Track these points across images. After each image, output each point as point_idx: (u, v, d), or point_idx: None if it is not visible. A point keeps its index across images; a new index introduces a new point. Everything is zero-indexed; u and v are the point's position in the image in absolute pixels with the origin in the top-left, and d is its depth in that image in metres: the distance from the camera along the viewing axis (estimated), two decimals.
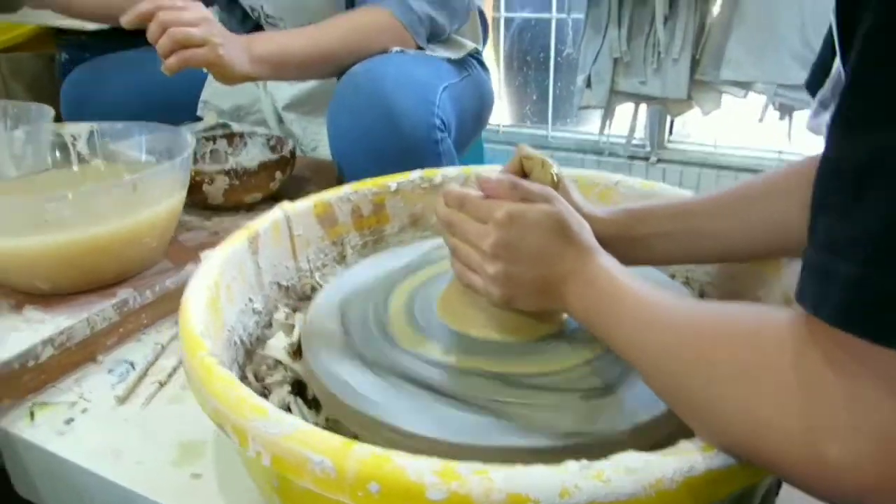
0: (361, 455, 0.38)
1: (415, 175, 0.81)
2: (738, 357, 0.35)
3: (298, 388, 0.61)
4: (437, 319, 0.60)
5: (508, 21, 2.27)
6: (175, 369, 0.71)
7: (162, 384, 0.69)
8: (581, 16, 1.68)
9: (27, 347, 0.67)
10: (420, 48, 1.09)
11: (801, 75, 1.45)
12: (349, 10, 1.07)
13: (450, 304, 0.60)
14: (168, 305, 0.81)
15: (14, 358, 0.65)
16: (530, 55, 2.24)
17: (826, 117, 0.35)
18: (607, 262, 0.49)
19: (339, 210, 0.76)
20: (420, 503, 0.37)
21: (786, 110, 1.54)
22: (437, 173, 0.81)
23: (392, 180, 0.79)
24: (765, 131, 1.65)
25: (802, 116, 1.57)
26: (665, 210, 0.60)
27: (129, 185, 0.72)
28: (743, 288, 0.65)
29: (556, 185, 0.59)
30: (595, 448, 0.42)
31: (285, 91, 1.24)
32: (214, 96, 1.29)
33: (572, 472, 0.36)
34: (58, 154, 0.92)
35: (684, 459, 0.37)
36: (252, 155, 1.08)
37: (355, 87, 0.97)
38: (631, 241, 0.59)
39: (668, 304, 0.42)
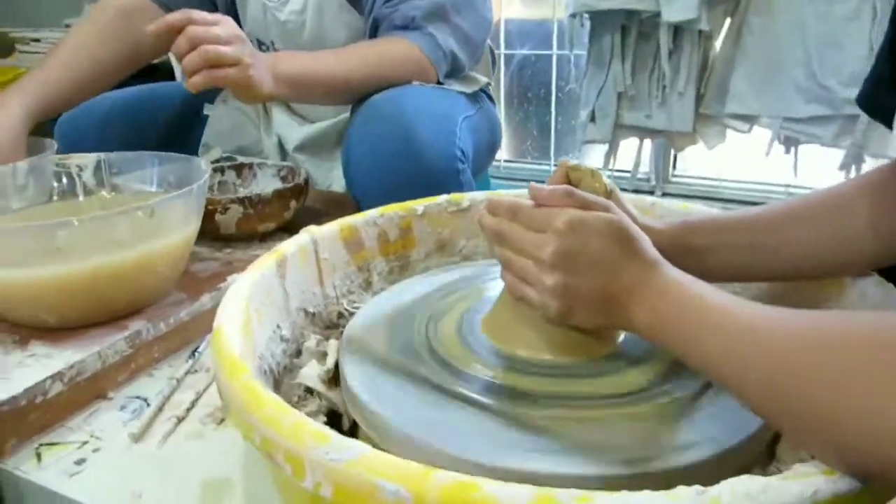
0: (444, 482, 0.34)
1: (442, 199, 0.78)
2: (879, 365, 0.31)
3: (332, 418, 0.57)
4: (485, 339, 0.56)
5: (508, 58, 2.28)
6: (193, 403, 0.66)
7: (180, 419, 0.64)
8: (583, 52, 1.69)
9: (34, 383, 0.62)
10: (439, 83, 1.09)
11: (806, 108, 1.46)
12: (375, 38, 1.06)
13: (497, 323, 0.57)
14: (181, 338, 0.77)
15: (20, 395, 0.60)
16: (531, 91, 2.26)
17: None
18: (676, 272, 0.46)
19: (365, 234, 0.73)
20: None
21: (791, 143, 1.54)
22: (464, 197, 0.78)
23: (419, 204, 0.76)
24: (769, 165, 1.65)
25: (807, 150, 1.58)
26: (724, 221, 0.57)
27: (146, 210, 0.68)
28: (799, 307, 0.62)
29: (609, 195, 0.56)
30: (671, 478, 0.38)
31: (296, 131, 1.21)
32: (216, 139, 1.26)
33: (686, 498, 0.32)
34: (63, 185, 0.88)
35: (807, 483, 0.33)
36: (263, 186, 1.05)
37: (376, 114, 0.95)
38: (686, 253, 0.56)
39: (769, 314, 0.38)
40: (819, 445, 0.35)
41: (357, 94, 1.02)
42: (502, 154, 2.37)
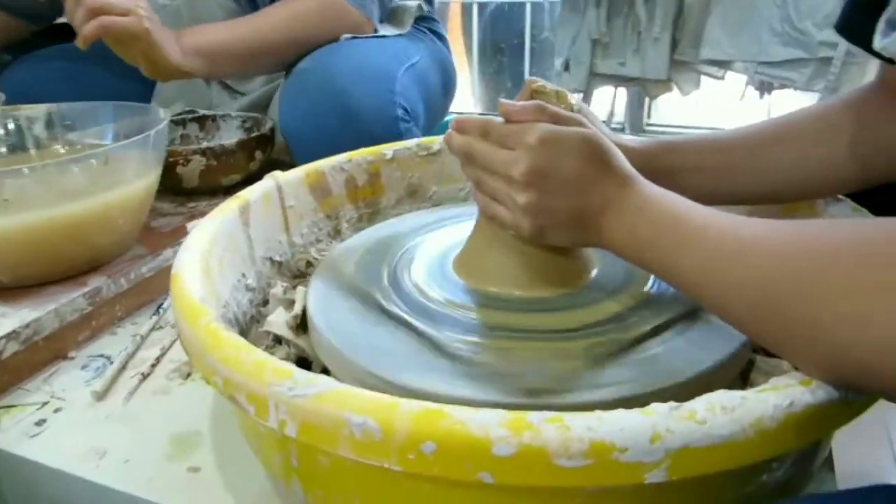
0: (412, 411, 0.32)
1: (412, 143, 0.75)
2: (856, 270, 0.30)
3: (302, 366, 0.55)
4: (454, 277, 0.55)
5: (482, 7, 2.21)
6: (158, 359, 0.64)
7: (145, 376, 0.62)
8: None
9: None
10: (375, 30, 1.02)
11: (781, 51, 1.45)
12: None
13: (467, 261, 0.55)
14: (144, 295, 0.74)
15: None
16: (504, 42, 2.20)
17: None
18: (651, 188, 0.44)
19: (332, 180, 0.71)
20: (484, 462, 0.31)
21: (765, 88, 1.53)
22: (436, 141, 0.76)
23: (388, 148, 0.74)
24: (743, 112, 1.64)
25: (782, 95, 1.57)
26: (700, 143, 0.55)
27: (100, 157, 0.65)
28: None
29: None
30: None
31: (228, 106, 1.14)
32: (164, 102, 1.17)
33: (662, 414, 0.31)
34: (12, 137, 0.84)
35: (783, 395, 0.32)
36: (227, 138, 1.01)
37: (307, 84, 0.90)
38: (662, 173, 0.53)
39: (749, 227, 0.37)
40: (804, 357, 0.33)
41: (282, 61, 0.96)
42: (476, 106, 2.32)
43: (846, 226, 0.34)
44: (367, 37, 1.00)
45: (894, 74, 0.52)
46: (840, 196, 0.57)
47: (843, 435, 0.43)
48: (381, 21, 1.06)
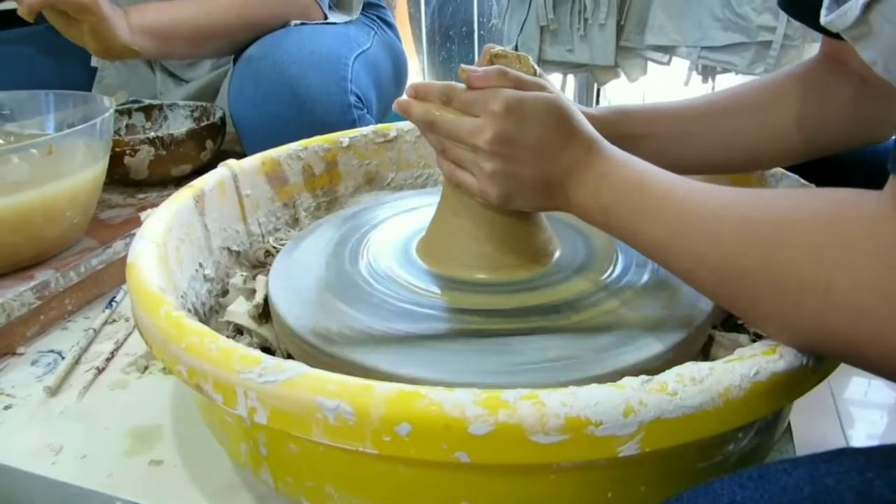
0: (386, 393, 0.32)
1: (368, 129, 0.75)
2: (817, 237, 0.31)
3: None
4: (418, 261, 0.55)
5: None
6: (113, 353, 0.62)
7: (100, 370, 0.60)
8: None
9: None
10: (325, 17, 1.01)
11: (723, 36, 1.48)
12: None
13: (431, 247, 0.55)
14: (95, 288, 0.72)
15: None
16: (453, 29, 2.20)
17: (846, 7, 0.33)
18: (615, 151, 0.45)
19: (288, 168, 0.69)
20: (460, 442, 0.31)
21: (708, 72, 1.56)
22: (392, 127, 0.75)
23: (344, 135, 0.73)
24: (688, 97, 1.67)
25: (724, 80, 1.61)
26: (654, 111, 0.56)
27: (42, 146, 0.63)
28: None
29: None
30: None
31: (173, 94, 1.11)
32: (109, 89, 1.13)
33: (634, 387, 0.32)
34: None
35: (749, 364, 0.33)
36: (175, 128, 0.98)
37: (256, 73, 0.88)
38: (617, 140, 0.53)
39: (713, 194, 0.37)
40: (770, 323, 0.35)
41: (232, 44, 0.94)
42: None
43: (807, 195, 0.35)
44: (316, 23, 0.99)
45: (835, 47, 0.54)
46: (786, 171, 0.59)
47: (797, 406, 0.45)
48: (330, 8, 1.04)
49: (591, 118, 0.53)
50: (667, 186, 0.40)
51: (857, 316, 0.29)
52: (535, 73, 0.51)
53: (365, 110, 0.94)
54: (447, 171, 0.51)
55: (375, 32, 1.09)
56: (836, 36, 0.50)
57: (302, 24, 0.96)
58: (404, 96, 0.51)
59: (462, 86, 0.48)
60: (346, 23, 1.04)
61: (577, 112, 0.46)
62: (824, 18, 0.43)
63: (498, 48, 0.51)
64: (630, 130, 0.56)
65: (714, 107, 0.56)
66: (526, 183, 0.46)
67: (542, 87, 0.47)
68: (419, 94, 0.49)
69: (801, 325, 0.33)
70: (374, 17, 1.13)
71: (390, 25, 1.17)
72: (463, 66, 0.48)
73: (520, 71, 0.49)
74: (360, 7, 1.08)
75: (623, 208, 0.42)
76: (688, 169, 0.58)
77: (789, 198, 0.35)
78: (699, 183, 0.40)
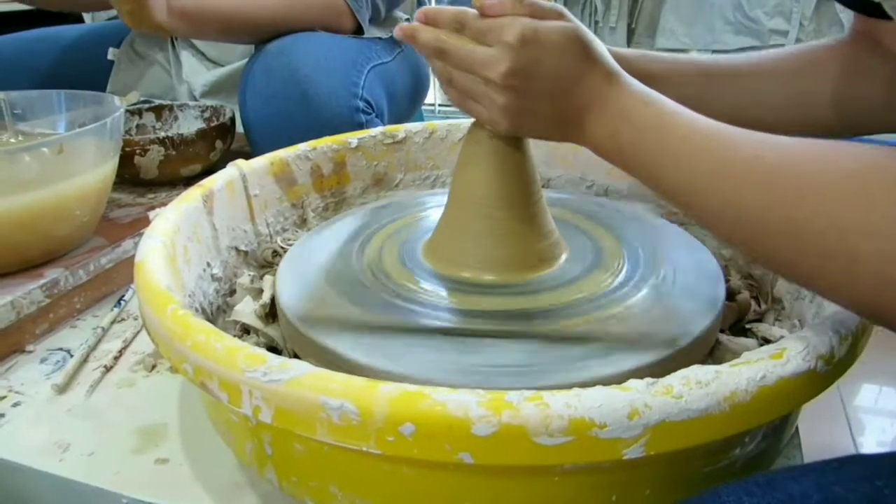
0: (390, 393, 0.32)
1: (376, 131, 0.75)
2: (841, 208, 0.30)
3: None
4: (424, 262, 0.55)
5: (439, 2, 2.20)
6: (121, 352, 0.63)
7: (108, 368, 0.60)
8: None
9: None
10: (358, 31, 1.02)
11: (735, 40, 1.48)
12: None
13: (438, 245, 0.55)
14: (104, 287, 0.72)
15: None
16: None
17: None
18: (635, 85, 0.43)
19: (297, 169, 0.70)
20: (463, 442, 0.31)
21: None
22: (401, 129, 0.76)
23: (353, 136, 0.73)
24: None
25: None
26: (679, 59, 0.55)
27: (53, 145, 0.63)
28: None
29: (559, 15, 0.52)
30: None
31: (203, 76, 1.13)
32: (123, 87, 1.16)
33: (639, 390, 0.32)
34: None
35: (756, 368, 0.33)
36: (185, 128, 0.99)
37: (269, 69, 0.89)
38: (638, 77, 0.51)
39: (736, 139, 0.36)
40: (791, 270, 0.34)
41: (262, 35, 0.95)
42: (437, 98, 2.32)
43: (834, 152, 0.33)
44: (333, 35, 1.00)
45: (869, 26, 0.53)
46: None
47: (806, 412, 0.44)
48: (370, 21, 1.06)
49: (612, 53, 0.49)
50: (687, 128, 0.38)
51: (882, 286, 0.29)
52: (554, 11, 0.49)
53: (374, 115, 0.95)
54: (456, 100, 0.49)
55: (401, 50, 1.11)
56: (875, 13, 0.48)
57: (322, 33, 0.98)
58: (414, 20, 0.48)
59: (475, 12, 0.45)
60: (375, 38, 1.06)
61: (598, 42, 0.44)
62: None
63: None
64: (652, 70, 0.53)
65: (739, 67, 0.54)
66: (539, 117, 0.45)
67: (560, 15, 0.45)
68: (429, 18, 0.47)
69: (825, 288, 0.32)
70: None
71: None
72: None
73: None
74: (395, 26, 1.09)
75: (641, 152, 0.40)
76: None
77: (815, 154, 0.33)
78: (722, 126, 0.38)
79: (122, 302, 0.70)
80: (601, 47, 0.44)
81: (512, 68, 0.43)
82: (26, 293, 0.63)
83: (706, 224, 0.38)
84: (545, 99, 0.44)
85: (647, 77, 0.51)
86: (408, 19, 1.14)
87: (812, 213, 0.31)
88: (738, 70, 0.54)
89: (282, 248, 0.66)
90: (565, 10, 0.46)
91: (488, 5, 0.44)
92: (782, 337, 0.48)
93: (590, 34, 0.44)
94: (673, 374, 0.33)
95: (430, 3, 1.28)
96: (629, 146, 0.41)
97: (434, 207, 0.65)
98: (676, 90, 0.52)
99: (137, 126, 0.99)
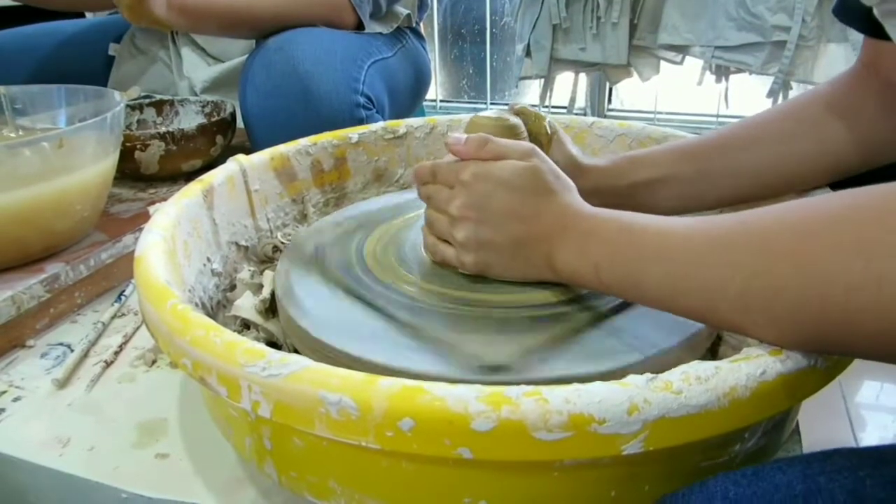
0: (389, 388, 0.32)
1: (377, 126, 0.75)
2: (857, 233, 0.29)
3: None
4: (423, 257, 0.55)
5: None
6: (122, 347, 0.63)
7: (108, 363, 0.61)
8: None
9: None
10: (359, 27, 1.02)
11: (737, 36, 1.47)
12: None
13: None
14: (105, 282, 0.72)
15: None
16: (465, 28, 2.20)
17: None
18: (599, 210, 0.43)
19: (297, 164, 0.70)
20: (463, 437, 0.31)
21: (721, 72, 1.55)
22: (401, 124, 0.75)
23: (353, 132, 0.73)
24: (701, 96, 1.67)
25: (738, 80, 1.60)
26: (673, 152, 0.55)
27: (54, 140, 0.63)
28: None
29: (550, 137, 0.54)
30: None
31: (203, 71, 1.14)
32: (123, 83, 1.16)
33: (639, 385, 0.31)
34: None
35: (755, 364, 0.33)
36: (186, 124, 0.99)
37: (269, 65, 0.89)
38: (634, 188, 0.54)
39: (715, 220, 0.36)
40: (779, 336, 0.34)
41: (262, 30, 0.96)
42: (438, 94, 2.32)
43: (831, 196, 0.33)
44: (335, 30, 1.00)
45: (873, 52, 0.53)
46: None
47: (806, 408, 0.44)
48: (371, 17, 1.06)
49: (598, 170, 0.54)
50: (661, 227, 0.38)
51: None
52: (547, 133, 0.51)
53: (374, 110, 0.95)
54: (431, 247, 0.52)
55: (403, 45, 1.11)
56: (879, 35, 0.48)
57: (324, 29, 0.98)
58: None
59: (449, 159, 0.50)
60: (376, 34, 1.05)
61: (559, 177, 0.46)
62: (879, 11, 0.42)
63: (520, 106, 0.52)
64: (648, 175, 0.55)
65: (731, 141, 0.55)
66: (500, 249, 0.46)
67: (526, 154, 0.46)
68: (416, 174, 0.52)
69: (846, 327, 0.30)
70: (406, 30, 1.15)
71: (421, 39, 1.20)
72: (448, 136, 0.49)
73: (534, 126, 0.50)
74: (396, 24, 1.10)
75: (617, 261, 0.39)
76: (711, 206, 0.57)
77: (811, 203, 0.33)
78: (698, 217, 0.38)
79: (123, 297, 0.70)
80: (562, 182, 0.46)
81: (465, 202, 0.47)
82: (27, 288, 0.63)
83: (703, 314, 0.36)
84: (501, 229, 0.46)
85: (644, 184, 0.55)
86: (408, 14, 1.14)
87: (827, 249, 0.30)
88: (728, 146, 0.55)
89: (282, 243, 0.66)
90: (533, 150, 0.47)
91: (455, 149, 0.48)
92: None
93: (550, 172, 0.46)
94: (672, 370, 0.32)
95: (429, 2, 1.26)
96: (603, 260, 0.40)
97: None
98: (675, 185, 0.55)
99: (138, 121, 0.99)
